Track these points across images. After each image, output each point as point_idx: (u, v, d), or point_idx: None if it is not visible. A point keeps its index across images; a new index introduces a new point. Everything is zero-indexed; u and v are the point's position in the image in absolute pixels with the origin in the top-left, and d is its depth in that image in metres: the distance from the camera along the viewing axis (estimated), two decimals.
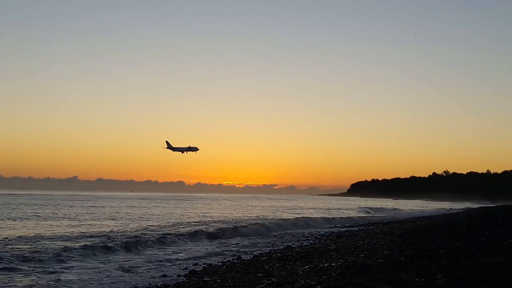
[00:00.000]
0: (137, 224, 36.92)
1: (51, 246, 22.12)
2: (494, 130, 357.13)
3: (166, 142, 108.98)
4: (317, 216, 55.91)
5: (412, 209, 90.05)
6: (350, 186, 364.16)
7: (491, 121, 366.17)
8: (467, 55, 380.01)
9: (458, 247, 14.40)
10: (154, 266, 18.93)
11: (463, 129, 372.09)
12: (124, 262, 19.68)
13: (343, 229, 36.09)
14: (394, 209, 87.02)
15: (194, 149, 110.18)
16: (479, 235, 17.13)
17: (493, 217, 28.95)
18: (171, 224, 36.96)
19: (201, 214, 52.00)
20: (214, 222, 40.46)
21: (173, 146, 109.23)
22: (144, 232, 29.74)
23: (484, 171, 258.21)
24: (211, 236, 29.56)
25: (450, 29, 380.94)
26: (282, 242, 27.21)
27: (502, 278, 9.07)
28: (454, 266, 10.67)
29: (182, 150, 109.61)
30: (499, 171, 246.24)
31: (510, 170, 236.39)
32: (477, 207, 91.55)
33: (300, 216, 54.13)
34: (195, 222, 39.37)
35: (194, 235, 28.93)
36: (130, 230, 31.11)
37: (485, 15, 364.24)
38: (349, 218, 52.75)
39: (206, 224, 37.22)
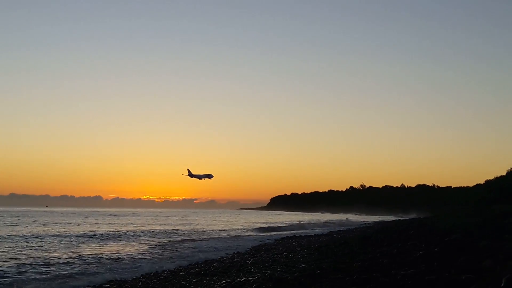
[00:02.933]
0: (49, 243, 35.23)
1: None
2: (408, 146, 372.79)
3: (188, 170, 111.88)
4: (239, 231, 55.91)
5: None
6: (270, 200, 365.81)
7: (405, 137, 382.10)
8: (383, 69, 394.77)
9: (371, 259, 14.71)
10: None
11: (379, 145, 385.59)
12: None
13: (262, 243, 36.14)
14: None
15: (210, 176, 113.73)
16: (392, 248, 17.62)
17: (406, 229, 30.05)
18: (86, 242, 35.59)
19: (121, 231, 50.33)
20: (133, 238, 39.51)
21: (193, 173, 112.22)
22: (54, 249, 28.43)
23: (399, 185, 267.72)
24: (128, 252, 28.64)
25: (377, 39, 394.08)
26: (200, 257, 26.80)
27: None
28: (366, 278, 10.84)
29: (200, 177, 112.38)
30: (413, 185, 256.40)
31: (423, 184, 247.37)
32: (392, 220, 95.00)
33: (220, 230, 53.96)
34: (114, 239, 38.28)
35: (113, 253, 28.01)
36: (44, 249, 29.60)
37: (401, 30, 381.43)
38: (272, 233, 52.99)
39: (125, 241, 36.27)
